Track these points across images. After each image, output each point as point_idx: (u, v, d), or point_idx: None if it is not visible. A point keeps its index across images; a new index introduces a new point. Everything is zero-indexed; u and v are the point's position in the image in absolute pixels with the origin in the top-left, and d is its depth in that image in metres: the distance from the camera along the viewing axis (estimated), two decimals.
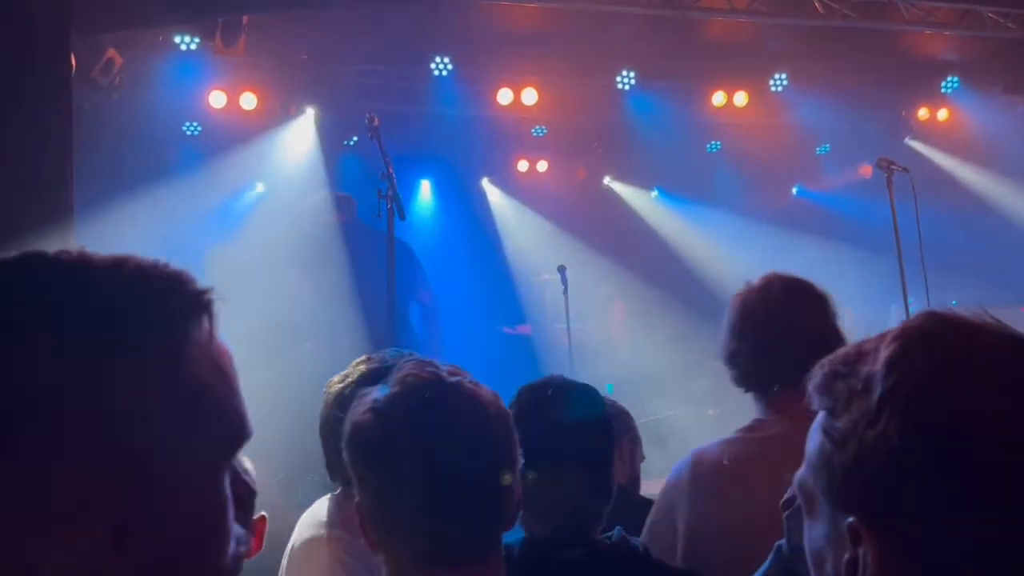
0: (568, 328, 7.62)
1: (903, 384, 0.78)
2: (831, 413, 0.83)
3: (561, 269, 7.71)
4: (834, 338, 2.14)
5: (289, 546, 2.33)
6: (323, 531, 2.22)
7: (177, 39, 7.07)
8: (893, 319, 6.33)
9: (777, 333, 2.15)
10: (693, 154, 9.87)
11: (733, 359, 2.26)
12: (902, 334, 0.83)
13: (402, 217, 4.15)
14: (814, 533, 0.86)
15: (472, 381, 1.42)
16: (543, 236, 9.96)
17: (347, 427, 1.40)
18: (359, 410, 1.39)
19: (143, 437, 0.70)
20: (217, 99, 7.86)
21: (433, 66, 8.05)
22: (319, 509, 2.31)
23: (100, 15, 5.36)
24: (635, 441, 2.95)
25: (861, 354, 0.84)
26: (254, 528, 1.65)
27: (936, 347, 0.80)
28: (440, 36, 7.78)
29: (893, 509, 0.78)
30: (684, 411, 7.27)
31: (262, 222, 8.56)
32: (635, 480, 2.88)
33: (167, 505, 0.70)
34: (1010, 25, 7.79)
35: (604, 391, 2.29)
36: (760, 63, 8.59)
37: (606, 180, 10.73)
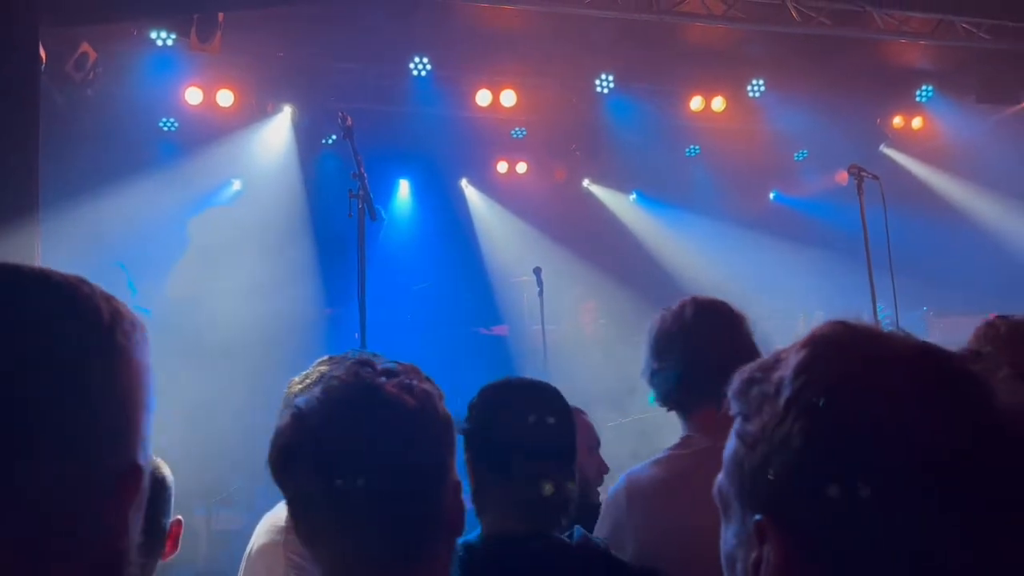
0: (543, 329, 7.64)
1: (808, 388, 0.80)
2: (745, 418, 0.86)
3: (537, 271, 7.74)
4: (749, 356, 2.15)
5: (247, 550, 2.32)
6: (279, 536, 2.21)
7: (153, 35, 7.02)
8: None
9: (692, 354, 2.19)
10: (672, 158, 9.92)
11: (653, 380, 2.29)
12: (811, 341, 0.85)
13: (373, 218, 4.14)
14: (727, 535, 0.89)
15: (399, 383, 1.30)
16: (521, 237, 9.98)
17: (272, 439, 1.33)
18: (283, 416, 1.31)
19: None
20: (193, 95, 7.82)
21: (412, 66, 8.05)
22: (277, 514, 2.30)
23: (71, 8, 5.32)
24: (591, 445, 2.93)
25: (777, 361, 0.86)
26: (170, 530, 1.66)
27: (842, 353, 0.82)
28: (419, 36, 7.78)
29: (796, 508, 0.80)
30: (656, 412, 7.31)
31: (238, 219, 8.53)
32: (587, 484, 2.83)
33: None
34: (983, 35, 7.90)
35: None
36: (738, 69, 8.66)
37: (585, 183, 10.76)
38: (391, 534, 1.26)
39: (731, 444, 0.87)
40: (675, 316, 2.27)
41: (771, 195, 11.22)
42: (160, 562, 1.68)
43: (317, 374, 2.23)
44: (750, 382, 0.87)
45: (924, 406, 0.77)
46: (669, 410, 2.30)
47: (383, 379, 1.30)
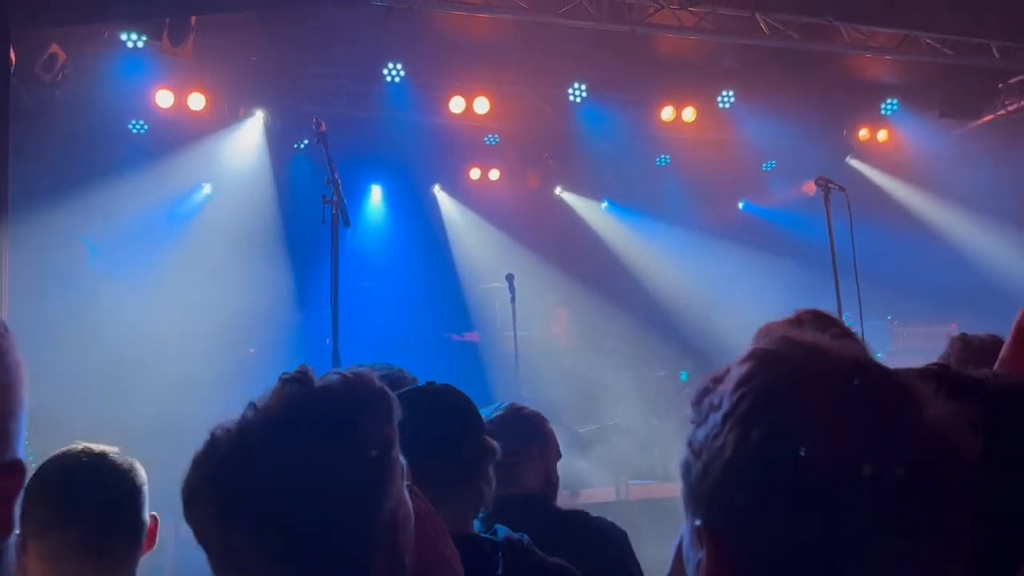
0: (515, 335, 7.67)
1: (743, 401, 0.84)
2: (696, 426, 0.89)
3: (509, 277, 7.77)
4: None
5: None
6: None
7: (124, 36, 6.96)
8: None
9: None
10: (643, 167, 10.02)
11: None
12: (752, 355, 0.88)
13: (347, 223, 4.16)
14: (685, 536, 0.93)
15: (328, 399, 1.10)
16: (493, 244, 10.00)
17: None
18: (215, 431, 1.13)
19: None
20: (164, 98, 7.75)
21: (386, 72, 8.06)
22: None
23: (40, 8, 5.26)
24: (545, 448, 2.76)
25: (725, 372, 0.90)
26: (149, 526, 1.67)
27: (778, 368, 0.85)
28: (393, 43, 7.79)
29: (726, 517, 0.83)
30: (626, 420, 7.37)
31: (209, 223, 8.47)
32: (549, 489, 2.72)
33: None
34: (946, 51, 8.09)
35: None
36: (709, 80, 8.77)
37: (557, 190, 10.82)
38: None
39: (683, 451, 0.91)
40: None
41: (740, 205, 11.35)
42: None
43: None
44: (704, 392, 0.90)
45: (846, 421, 0.80)
46: None
47: (308, 402, 1.10)
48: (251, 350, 7.94)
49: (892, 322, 8.35)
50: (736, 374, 0.87)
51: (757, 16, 7.54)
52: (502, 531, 1.88)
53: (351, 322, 6.10)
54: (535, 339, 8.58)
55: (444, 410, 1.93)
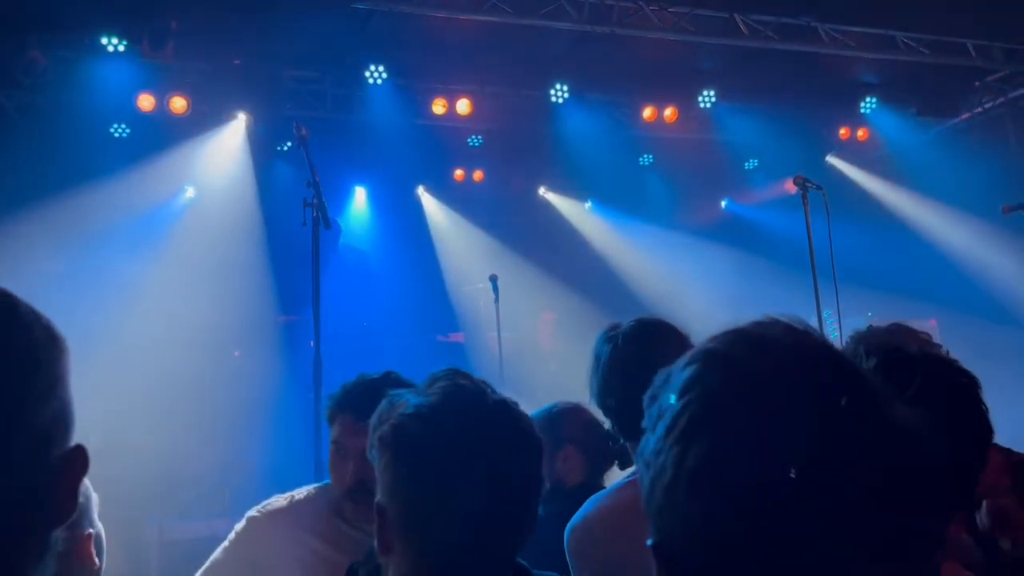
0: (499, 336, 7.71)
1: (683, 414, 0.78)
2: (647, 435, 0.83)
3: (493, 278, 7.80)
4: None
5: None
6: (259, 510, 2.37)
7: (104, 40, 6.95)
8: None
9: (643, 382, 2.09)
10: (626, 167, 10.06)
11: (608, 411, 2.23)
12: (696, 358, 0.82)
13: (327, 226, 4.17)
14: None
15: (511, 403, 1.47)
16: (477, 245, 10.03)
17: (384, 428, 1.41)
18: (402, 412, 1.40)
19: None
20: (146, 102, 7.73)
21: (368, 74, 8.07)
22: (269, 501, 2.42)
23: (20, 14, 5.24)
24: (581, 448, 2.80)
25: (672, 374, 0.83)
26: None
27: (721, 373, 0.79)
28: (374, 45, 7.81)
29: (671, 537, 0.78)
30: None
31: (192, 226, 8.46)
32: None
33: None
34: (923, 50, 8.18)
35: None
36: (689, 80, 8.83)
37: (541, 191, 10.86)
38: (509, 529, 1.39)
39: (637, 461, 0.86)
40: (626, 341, 2.19)
41: (723, 203, 11.43)
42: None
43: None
44: (652, 397, 0.84)
45: (794, 432, 0.74)
46: (625, 440, 2.23)
47: (490, 389, 1.48)
48: (236, 353, 7.94)
49: (872, 319, 8.41)
50: (679, 381, 0.80)
51: (736, 17, 7.60)
52: None
53: (335, 324, 6.12)
54: (520, 340, 8.61)
55: None
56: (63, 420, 0.90)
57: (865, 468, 0.73)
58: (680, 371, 0.82)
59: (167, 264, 7.94)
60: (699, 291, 9.78)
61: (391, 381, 2.34)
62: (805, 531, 0.72)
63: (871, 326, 2.52)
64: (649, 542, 0.81)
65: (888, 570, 0.73)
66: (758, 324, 0.83)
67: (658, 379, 0.85)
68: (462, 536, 1.34)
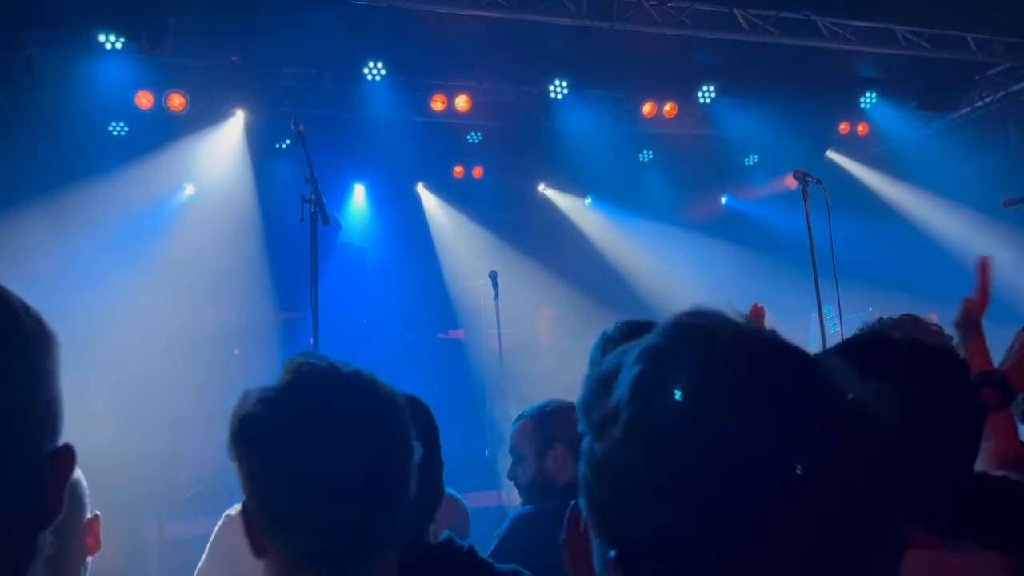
0: (499, 333, 7.69)
1: (639, 413, 0.74)
2: (592, 438, 0.78)
3: (492, 275, 7.78)
4: None
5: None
6: (236, 509, 2.30)
7: (101, 38, 6.93)
8: (813, 326, 6.54)
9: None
10: (626, 163, 10.04)
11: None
12: (644, 354, 0.78)
13: (325, 222, 4.17)
14: (595, 559, 0.82)
15: (368, 374, 1.35)
16: (477, 242, 10.02)
17: (234, 420, 1.31)
18: (248, 402, 1.30)
19: None
20: (144, 100, 7.71)
21: (366, 71, 8.05)
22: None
23: (16, 11, 5.23)
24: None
25: (617, 372, 0.79)
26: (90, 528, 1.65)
27: (673, 371, 0.75)
28: (373, 42, 7.79)
29: (636, 545, 0.74)
30: None
31: (191, 224, 8.45)
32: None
33: None
34: (923, 44, 8.17)
35: None
36: (689, 75, 8.82)
37: (541, 187, 10.84)
38: (370, 519, 1.28)
39: (581, 465, 0.80)
40: (616, 343, 2.20)
41: (723, 199, 11.41)
42: (89, 559, 1.67)
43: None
44: (595, 394, 0.80)
45: (752, 422, 0.71)
46: None
47: (351, 368, 1.34)
48: (235, 351, 7.93)
49: (873, 314, 8.40)
50: (628, 378, 0.76)
51: (736, 11, 7.59)
52: (446, 540, 1.86)
53: (335, 321, 6.11)
54: (520, 337, 8.60)
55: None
56: (52, 415, 0.87)
57: (829, 462, 0.71)
58: (629, 369, 0.77)
59: (166, 262, 7.93)
60: (699, 287, 9.77)
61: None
62: (776, 528, 0.70)
63: (881, 318, 2.54)
64: (611, 554, 0.75)
65: (853, 565, 0.72)
66: (692, 315, 0.81)
67: (592, 381, 0.80)
68: (329, 525, 1.26)
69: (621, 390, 0.76)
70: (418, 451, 1.35)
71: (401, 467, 1.31)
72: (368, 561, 1.31)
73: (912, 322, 2.55)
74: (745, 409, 0.72)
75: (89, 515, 1.67)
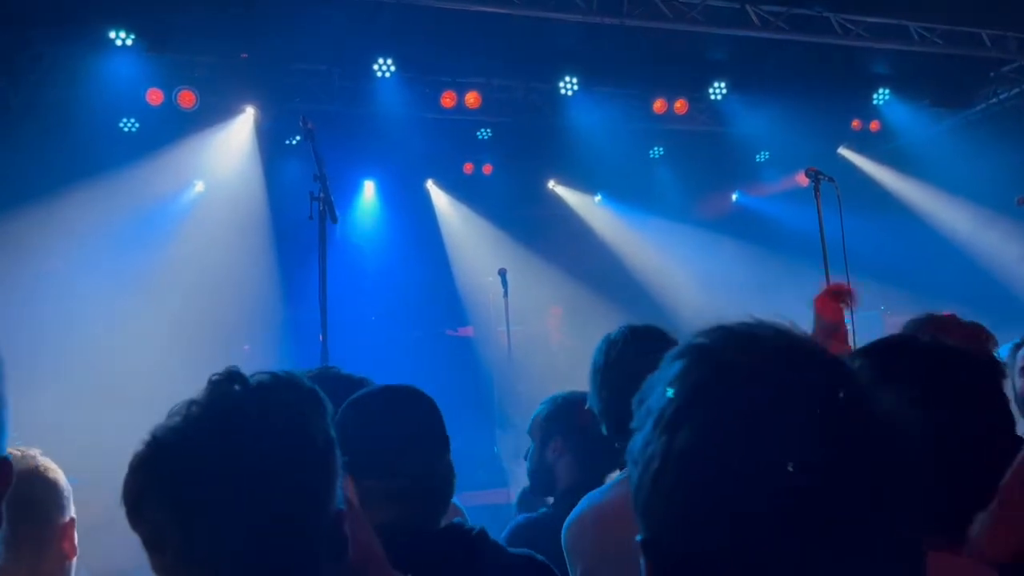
0: (508, 331, 7.68)
1: (670, 406, 0.78)
2: (636, 432, 0.82)
3: (502, 272, 7.77)
4: None
5: None
6: None
7: (112, 34, 6.93)
8: None
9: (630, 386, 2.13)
10: (636, 159, 10.00)
11: (600, 415, 2.27)
12: (682, 352, 0.82)
13: (334, 220, 4.15)
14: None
15: (267, 401, 1.11)
16: (486, 239, 10.00)
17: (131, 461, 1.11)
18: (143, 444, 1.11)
19: None
20: (154, 96, 7.72)
21: (376, 67, 8.04)
22: None
23: (24, 9, 5.24)
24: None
25: (659, 371, 0.83)
26: (65, 530, 1.62)
27: (707, 365, 0.79)
28: (383, 38, 7.77)
29: (658, 531, 0.78)
30: None
31: (201, 220, 8.47)
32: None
33: None
34: (937, 40, 8.09)
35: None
36: (700, 72, 8.76)
37: (550, 184, 10.81)
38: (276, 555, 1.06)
39: (627, 462, 0.84)
40: (619, 347, 2.26)
41: (734, 196, 11.35)
42: (70, 562, 1.65)
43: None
44: (640, 401, 0.84)
45: (778, 424, 0.73)
46: (620, 443, 2.26)
47: (249, 399, 1.11)
48: (245, 347, 7.95)
49: (885, 312, 8.35)
50: (667, 375, 0.80)
51: (748, 8, 7.53)
52: (455, 524, 1.88)
53: (345, 318, 6.11)
54: (529, 334, 8.59)
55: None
56: None
57: (848, 462, 0.73)
58: (668, 366, 0.81)
59: (176, 258, 7.95)
60: (709, 284, 9.73)
61: (329, 377, 2.27)
62: (791, 522, 0.71)
63: (914, 320, 2.54)
64: (638, 538, 0.80)
65: (875, 559, 0.73)
66: (746, 323, 0.83)
67: (646, 383, 0.84)
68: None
69: (660, 385, 0.80)
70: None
71: (300, 511, 1.10)
72: None
73: (953, 322, 2.53)
74: (759, 403, 0.74)
75: (67, 518, 1.66)
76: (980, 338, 2.64)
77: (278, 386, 1.13)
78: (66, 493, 1.67)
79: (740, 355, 0.78)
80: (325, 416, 1.15)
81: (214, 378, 1.14)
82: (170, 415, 1.12)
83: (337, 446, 1.15)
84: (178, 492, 1.06)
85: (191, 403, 1.12)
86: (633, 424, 0.83)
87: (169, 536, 1.06)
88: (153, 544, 1.07)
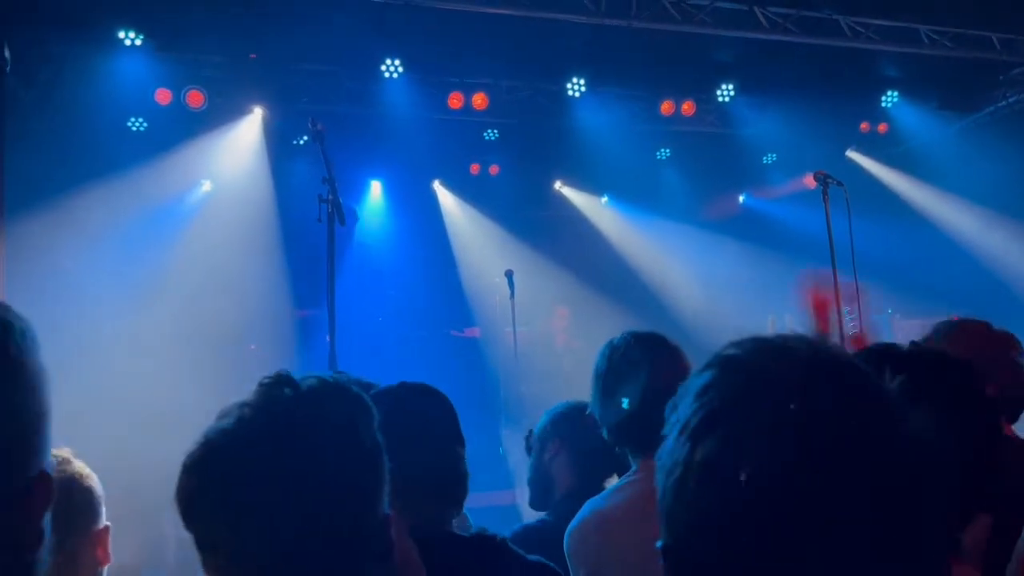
0: (514, 332, 7.68)
1: (696, 414, 0.79)
2: (665, 438, 0.84)
3: (508, 273, 7.77)
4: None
5: None
6: None
7: (121, 34, 6.96)
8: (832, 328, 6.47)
9: (644, 391, 2.18)
10: (643, 161, 10.00)
11: (601, 419, 2.28)
12: (712, 362, 0.82)
13: (342, 222, 4.17)
14: None
15: (318, 408, 1.13)
16: (493, 240, 10.01)
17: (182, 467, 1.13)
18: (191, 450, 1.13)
19: None
20: (163, 96, 7.75)
21: (384, 68, 8.05)
22: None
23: (35, 8, 5.26)
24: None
25: (691, 380, 0.84)
26: (99, 537, 1.61)
27: (736, 375, 0.79)
28: (390, 39, 7.78)
29: (677, 538, 0.78)
30: None
31: (209, 220, 8.49)
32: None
33: None
34: (946, 43, 8.06)
35: None
36: (708, 74, 8.75)
37: (557, 185, 10.81)
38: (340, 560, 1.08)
39: (656, 469, 0.85)
40: (621, 353, 2.28)
41: (741, 198, 11.33)
42: (102, 568, 1.65)
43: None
44: (673, 407, 0.85)
45: (806, 432, 0.73)
46: (621, 448, 2.29)
47: (301, 403, 1.13)
48: (252, 346, 7.97)
49: (893, 316, 8.33)
50: (695, 384, 0.81)
51: (756, 10, 7.52)
52: (475, 529, 1.89)
53: (351, 319, 6.12)
54: (535, 335, 8.59)
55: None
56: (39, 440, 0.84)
57: (872, 473, 0.73)
58: (698, 376, 0.82)
59: (183, 258, 7.97)
60: (715, 286, 9.72)
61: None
62: (812, 531, 0.71)
63: (943, 324, 2.56)
64: (659, 544, 0.80)
65: (896, 571, 0.73)
66: (780, 335, 0.84)
67: (680, 389, 0.85)
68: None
69: (688, 394, 0.81)
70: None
71: (351, 515, 1.13)
72: None
73: (985, 330, 2.55)
74: (786, 414, 0.74)
75: (101, 525, 1.65)
76: (1012, 346, 2.64)
77: (327, 390, 1.16)
78: (100, 500, 1.67)
79: (771, 366, 0.78)
80: (373, 421, 1.17)
81: (265, 381, 1.16)
82: (220, 416, 1.15)
83: (385, 451, 1.17)
84: (229, 494, 1.09)
85: (243, 405, 1.14)
86: (664, 431, 0.84)
87: (221, 537, 1.09)
88: (205, 544, 1.11)
